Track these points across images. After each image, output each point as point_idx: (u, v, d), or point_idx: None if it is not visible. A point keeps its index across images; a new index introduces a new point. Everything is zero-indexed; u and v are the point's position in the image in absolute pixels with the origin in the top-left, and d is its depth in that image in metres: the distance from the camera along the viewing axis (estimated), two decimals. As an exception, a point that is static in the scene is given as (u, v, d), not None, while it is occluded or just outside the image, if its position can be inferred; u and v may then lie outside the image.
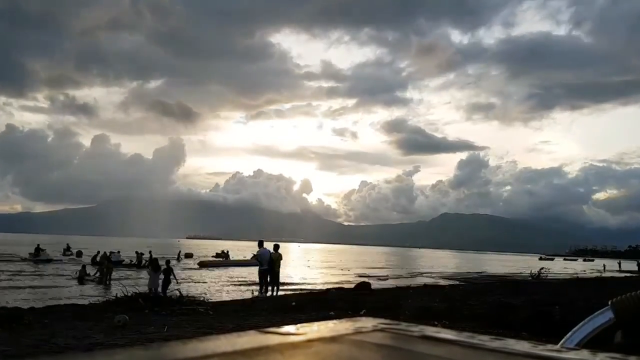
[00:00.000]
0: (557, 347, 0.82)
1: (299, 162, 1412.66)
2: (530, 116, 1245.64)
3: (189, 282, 22.82)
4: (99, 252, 34.07)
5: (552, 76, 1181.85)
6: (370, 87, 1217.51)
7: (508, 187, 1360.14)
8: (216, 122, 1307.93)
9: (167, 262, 17.47)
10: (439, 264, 63.59)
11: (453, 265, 60.41)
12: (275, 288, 16.04)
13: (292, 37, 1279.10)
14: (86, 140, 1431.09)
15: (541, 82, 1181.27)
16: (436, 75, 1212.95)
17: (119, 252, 35.81)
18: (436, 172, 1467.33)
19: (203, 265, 36.58)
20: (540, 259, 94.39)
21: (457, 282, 26.44)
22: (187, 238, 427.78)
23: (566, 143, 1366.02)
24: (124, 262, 32.61)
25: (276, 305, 11.46)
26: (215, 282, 24.40)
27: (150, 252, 32.60)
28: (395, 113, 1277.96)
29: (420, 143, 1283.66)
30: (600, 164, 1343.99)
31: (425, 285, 19.87)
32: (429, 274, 37.98)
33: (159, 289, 14.62)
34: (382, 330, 0.82)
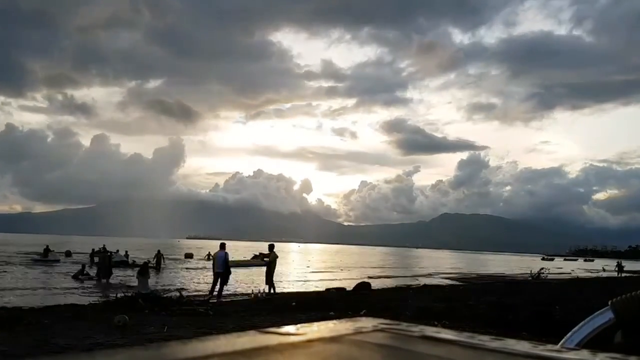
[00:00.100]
0: (557, 347, 0.82)
1: (298, 162, 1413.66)
2: (531, 116, 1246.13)
3: (197, 283, 22.87)
4: (94, 250, 34.32)
5: (553, 76, 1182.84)
6: (370, 87, 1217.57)
7: (508, 187, 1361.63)
8: (216, 122, 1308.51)
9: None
10: (438, 264, 63.60)
11: (453, 266, 60.42)
12: (272, 288, 16.14)
13: (292, 36, 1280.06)
14: (86, 140, 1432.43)
15: (542, 82, 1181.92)
16: (436, 74, 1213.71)
17: (121, 251, 35.73)
18: (436, 172, 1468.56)
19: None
20: (543, 259, 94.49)
21: (457, 282, 26.45)
22: (187, 238, 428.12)
23: (566, 143, 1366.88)
24: (130, 263, 32.54)
25: (276, 306, 11.46)
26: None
27: (158, 251, 32.52)
28: (395, 113, 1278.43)
29: (420, 143, 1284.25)
30: (601, 164, 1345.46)
31: (425, 285, 19.89)
32: (428, 274, 38.00)
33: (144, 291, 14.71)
34: (382, 330, 0.82)
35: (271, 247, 16.54)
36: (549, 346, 0.82)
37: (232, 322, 8.49)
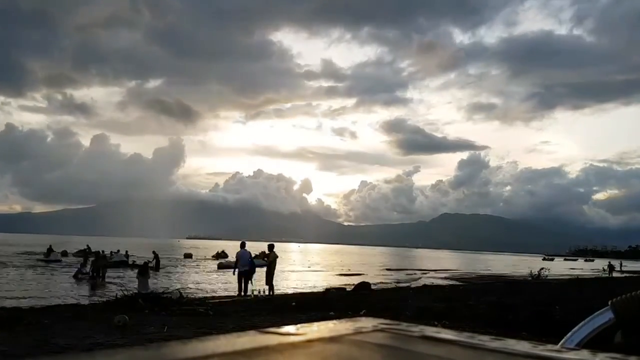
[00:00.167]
0: (557, 347, 0.82)
1: (298, 162, 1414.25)
2: (531, 116, 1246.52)
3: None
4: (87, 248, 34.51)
5: (554, 75, 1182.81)
6: (370, 87, 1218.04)
7: (508, 187, 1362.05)
8: (216, 122, 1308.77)
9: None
10: (438, 264, 63.60)
11: (453, 266, 60.43)
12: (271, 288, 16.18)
13: (292, 35, 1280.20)
14: (85, 140, 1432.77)
15: (542, 82, 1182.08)
16: (437, 74, 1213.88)
17: (122, 252, 35.73)
18: (436, 172, 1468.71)
19: (222, 267, 36.44)
20: (544, 259, 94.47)
21: (457, 282, 26.45)
22: (187, 238, 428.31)
23: (567, 143, 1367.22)
24: (129, 263, 32.53)
25: (276, 306, 11.46)
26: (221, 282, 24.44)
27: (154, 252, 32.54)
28: (395, 113, 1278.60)
29: (420, 143, 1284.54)
30: (601, 164, 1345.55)
31: (425, 285, 19.89)
32: (429, 274, 38.01)
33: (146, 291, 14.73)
34: (382, 330, 0.82)
35: (271, 247, 16.54)
36: (549, 346, 0.82)
37: (232, 322, 8.48)
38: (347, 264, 51.63)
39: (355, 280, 23.84)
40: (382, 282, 26.02)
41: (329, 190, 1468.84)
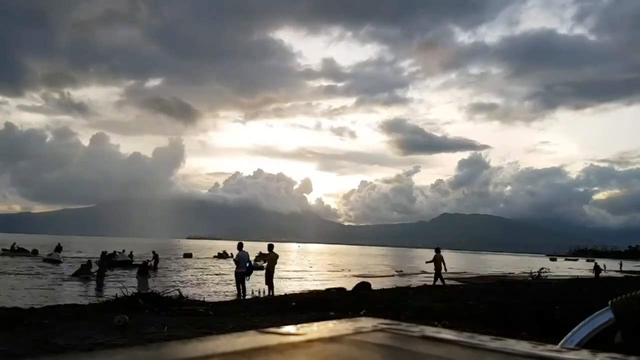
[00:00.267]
0: (557, 347, 0.82)
1: (298, 162, 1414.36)
2: (532, 115, 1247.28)
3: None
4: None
5: (555, 75, 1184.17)
6: (370, 86, 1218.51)
7: (509, 187, 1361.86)
8: (216, 122, 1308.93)
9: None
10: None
11: (453, 266, 60.31)
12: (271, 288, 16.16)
13: (292, 34, 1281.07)
14: (85, 140, 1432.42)
15: (543, 81, 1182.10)
16: (437, 74, 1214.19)
17: (130, 252, 35.65)
18: (436, 172, 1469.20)
19: (220, 257, 36.47)
20: (551, 259, 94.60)
21: (457, 282, 26.43)
22: (187, 238, 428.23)
23: (567, 143, 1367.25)
24: (133, 263, 32.51)
25: (276, 306, 11.46)
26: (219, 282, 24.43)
27: (153, 252, 32.52)
28: (395, 112, 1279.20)
29: (420, 143, 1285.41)
30: (601, 164, 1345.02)
31: (426, 285, 19.86)
32: (429, 274, 37.96)
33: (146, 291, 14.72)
34: (382, 330, 0.82)
35: (270, 247, 16.54)
36: (549, 346, 0.82)
37: (232, 322, 8.48)
38: (347, 264, 51.62)
39: (356, 280, 23.83)
40: (382, 282, 26.01)
41: (329, 190, 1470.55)
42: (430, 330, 0.82)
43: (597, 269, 37.17)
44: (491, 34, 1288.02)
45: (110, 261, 26.84)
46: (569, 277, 30.75)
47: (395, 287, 19.29)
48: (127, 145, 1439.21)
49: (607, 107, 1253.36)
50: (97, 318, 8.78)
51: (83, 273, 23.87)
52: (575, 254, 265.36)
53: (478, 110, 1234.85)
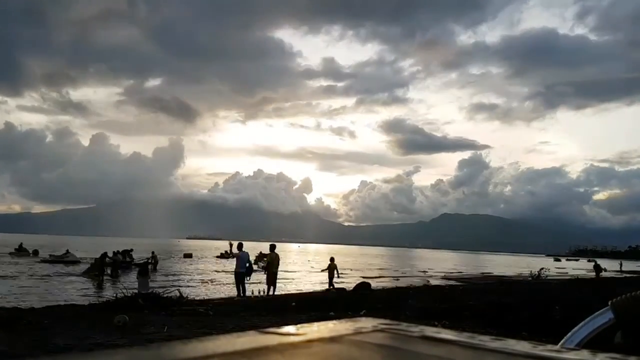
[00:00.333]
0: (557, 347, 0.82)
1: (298, 163, 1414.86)
2: (533, 115, 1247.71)
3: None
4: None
5: (556, 74, 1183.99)
6: (371, 86, 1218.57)
7: (509, 187, 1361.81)
8: (216, 122, 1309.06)
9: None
10: (439, 264, 63.59)
11: (453, 266, 60.42)
12: (273, 288, 16.14)
13: (292, 33, 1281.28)
14: (85, 140, 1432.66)
15: (544, 81, 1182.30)
16: (437, 73, 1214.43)
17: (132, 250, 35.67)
18: (436, 172, 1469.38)
19: (222, 257, 36.31)
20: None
21: (457, 282, 26.44)
22: (187, 238, 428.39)
23: (567, 143, 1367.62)
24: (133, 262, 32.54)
25: (276, 306, 11.46)
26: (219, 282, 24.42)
27: (152, 252, 32.52)
28: (395, 112, 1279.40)
29: (420, 143, 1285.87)
30: (602, 164, 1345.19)
31: (425, 285, 19.88)
32: (429, 274, 38.00)
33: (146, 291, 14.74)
34: (382, 330, 0.82)
35: (272, 247, 16.53)
36: (549, 346, 0.82)
37: (232, 322, 8.48)
38: (347, 264, 51.62)
39: (356, 280, 23.84)
40: (382, 282, 26.02)
41: (329, 190, 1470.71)
42: (430, 330, 0.82)
43: (597, 268, 36.54)
44: (492, 33, 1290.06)
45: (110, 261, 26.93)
46: (569, 277, 30.76)
47: (395, 287, 19.30)
48: (127, 145, 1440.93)
49: (608, 107, 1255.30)
50: (97, 318, 8.77)
51: (92, 272, 23.98)
52: (575, 254, 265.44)
53: (478, 110, 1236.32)
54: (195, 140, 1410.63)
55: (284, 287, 21.37)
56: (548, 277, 28.72)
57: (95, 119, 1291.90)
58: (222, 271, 32.30)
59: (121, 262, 28.08)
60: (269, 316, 9.52)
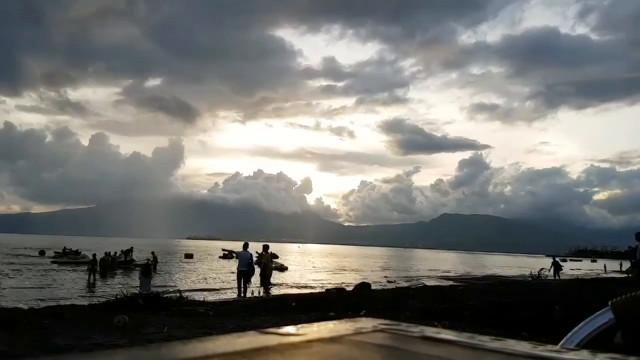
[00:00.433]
0: (557, 347, 0.82)
1: (298, 163, 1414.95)
2: (533, 115, 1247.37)
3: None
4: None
5: (557, 74, 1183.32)
6: (370, 86, 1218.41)
7: (509, 187, 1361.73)
8: (215, 122, 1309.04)
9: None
10: (439, 264, 63.58)
11: (453, 266, 60.40)
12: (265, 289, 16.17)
13: (291, 32, 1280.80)
14: (84, 140, 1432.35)
15: (545, 80, 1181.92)
16: (438, 73, 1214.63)
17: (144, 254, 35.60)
18: (436, 172, 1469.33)
19: (225, 257, 36.25)
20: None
21: (457, 282, 26.43)
22: (187, 238, 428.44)
23: (568, 143, 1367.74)
24: (134, 263, 32.52)
25: (276, 306, 11.46)
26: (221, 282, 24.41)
27: (152, 253, 32.52)
28: (395, 112, 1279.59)
29: (420, 143, 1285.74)
30: (602, 164, 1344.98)
31: (425, 286, 19.86)
32: (429, 275, 38.00)
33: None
34: (382, 330, 0.82)
35: (265, 247, 16.53)
36: (549, 346, 0.82)
37: (232, 322, 8.48)
38: (347, 264, 51.61)
39: (356, 280, 23.84)
40: (382, 282, 26.02)
41: (329, 191, 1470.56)
42: (430, 331, 0.82)
43: (556, 266, 31.39)
44: (492, 32, 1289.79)
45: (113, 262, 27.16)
46: (568, 277, 30.73)
47: (395, 287, 19.30)
48: (126, 145, 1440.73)
49: (609, 107, 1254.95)
50: (97, 318, 8.77)
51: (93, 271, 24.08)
52: (575, 254, 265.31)
53: (479, 110, 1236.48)
54: (195, 140, 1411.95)
55: (284, 287, 21.37)
56: (548, 277, 28.71)
57: (95, 119, 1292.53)
58: (223, 272, 32.32)
59: (110, 263, 28.07)
60: (269, 316, 9.51)
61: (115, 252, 33.55)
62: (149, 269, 17.11)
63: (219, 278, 27.25)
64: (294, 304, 11.59)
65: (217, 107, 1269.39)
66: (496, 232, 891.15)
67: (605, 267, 56.62)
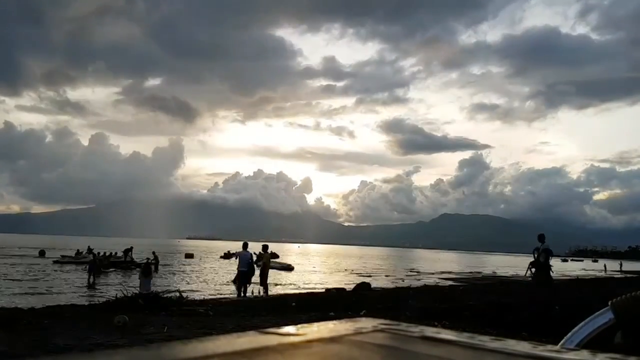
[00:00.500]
0: (557, 347, 0.82)
1: (298, 163, 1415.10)
2: (533, 115, 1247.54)
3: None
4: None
5: (557, 74, 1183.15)
6: (370, 86, 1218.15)
7: (509, 187, 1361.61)
8: (215, 122, 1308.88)
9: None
10: (439, 264, 63.57)
11: (453, 266, 60.40)
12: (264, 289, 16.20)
13: (292, 32, 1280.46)
14: (84, 140, 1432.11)
15: (545, 80, 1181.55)
16: (438, 73, 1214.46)
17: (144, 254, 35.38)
18: (436, 172, 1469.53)
19: (226, 257, 36.30)
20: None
21: (457, 282, 26.42)
22: (187, 238, 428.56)
23: (568, 143, 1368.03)
24: (134, 263, 32.48)
25: (276, 306, 11.46)
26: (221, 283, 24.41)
27: (153, 252, 32.52)
28: (395, 112, 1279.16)
29: (420, 143, 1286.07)
30: (602, 164, 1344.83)
31: (425, 286, 19.87)
32: (429, 275, 37.99)
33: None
34: (382, 330, 0.82)
35: (265, 247, 16.52)
36: (549, 346, 0.82)
37: (232, 322, 8.48)
38: (347, 264, 51.62)
39: (356, 280, 23.84)
40: (382, 283, 26.02)
41: (329, 191, 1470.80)
42: (430, 331, 0.82)
43: (535, 266, 30.61)
44: (493, 32, 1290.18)
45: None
46: (568, 277, 30.73)
47: (395, 287, 19.30)
48: (126, 145, 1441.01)
49: (610, 107, 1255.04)
50: (97, 318, 8.77)
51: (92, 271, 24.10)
52: (575, 254, 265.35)
53: (479, 110, 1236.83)
54: (195, 140, 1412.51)
55: (284, 287, 21.36)
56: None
57: (95, 119, 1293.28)
58: (223, 272, 32.32)
59: (103, 264, 28.10)
60: (269, 316, 9.51)
61: (115, 252, 33.60)
62: (149, 268, 17.10)
63: (219, 278, 27.25)
64: (294, 304, 11.59)
65: (217, 107, 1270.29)
66: (496, 232, 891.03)
67: (605, 267, 57.48)
